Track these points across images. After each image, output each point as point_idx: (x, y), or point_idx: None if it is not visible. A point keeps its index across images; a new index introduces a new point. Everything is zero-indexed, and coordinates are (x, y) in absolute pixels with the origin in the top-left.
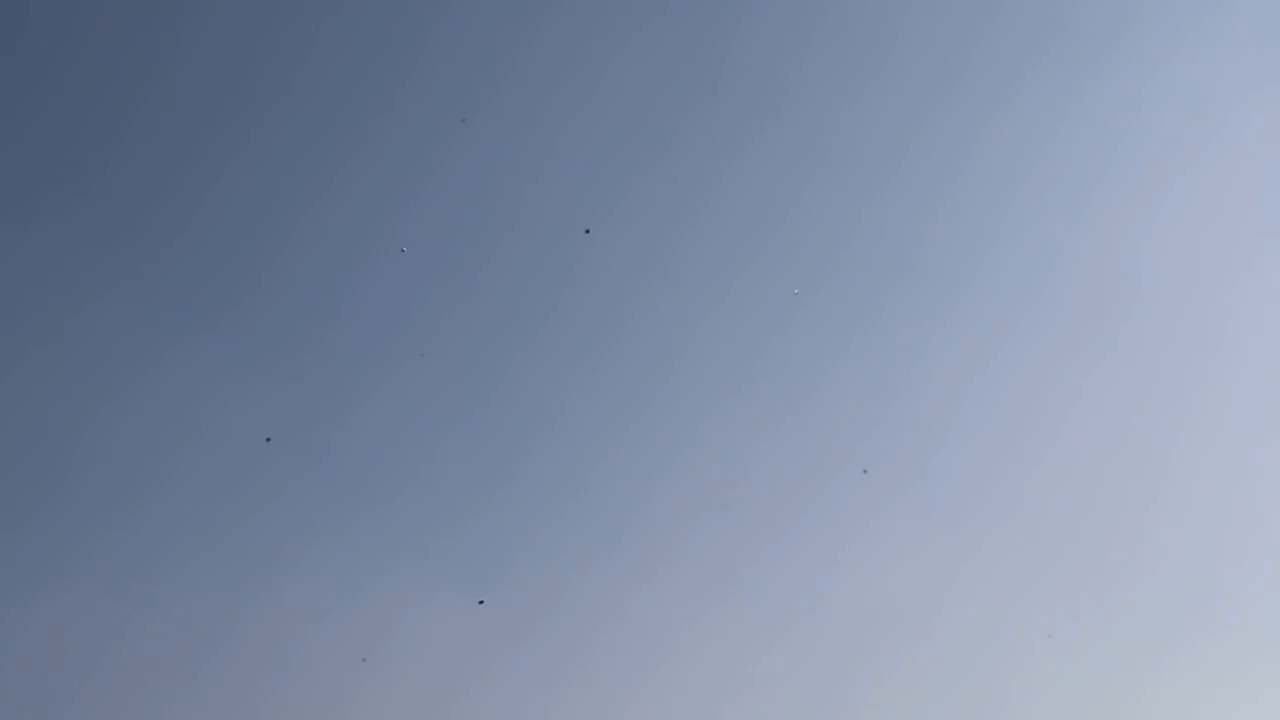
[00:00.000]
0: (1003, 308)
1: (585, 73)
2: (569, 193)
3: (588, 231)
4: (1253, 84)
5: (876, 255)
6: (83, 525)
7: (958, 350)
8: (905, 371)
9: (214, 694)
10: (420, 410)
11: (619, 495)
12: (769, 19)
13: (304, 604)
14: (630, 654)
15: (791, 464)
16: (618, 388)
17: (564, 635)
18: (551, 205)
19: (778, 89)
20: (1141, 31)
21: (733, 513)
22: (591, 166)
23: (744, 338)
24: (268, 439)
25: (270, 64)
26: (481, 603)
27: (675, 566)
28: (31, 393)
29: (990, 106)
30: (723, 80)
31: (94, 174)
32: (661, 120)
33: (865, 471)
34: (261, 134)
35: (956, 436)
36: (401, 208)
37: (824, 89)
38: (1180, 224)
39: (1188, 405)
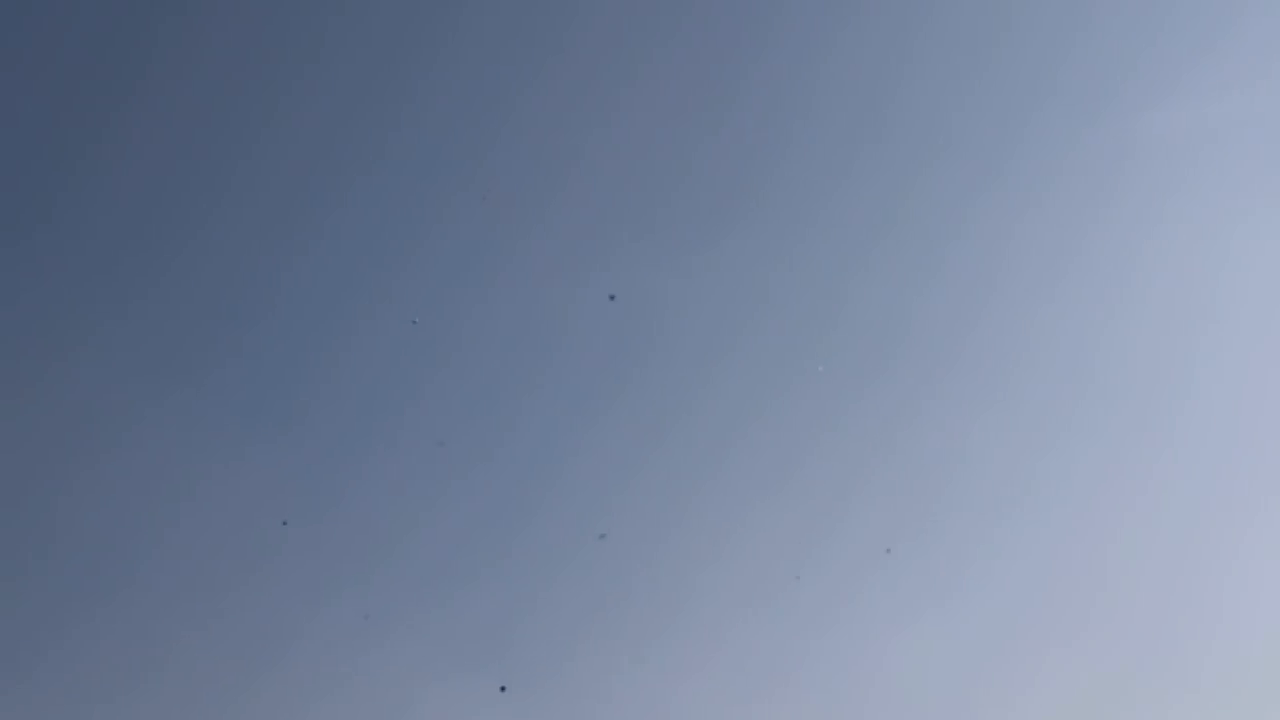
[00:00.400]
0: (1057, 391)
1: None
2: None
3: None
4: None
5: (921, 342)
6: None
7: (1010, 439)
8: (948, 463)
9: None
10: (464, 510)
11: (654, 586)
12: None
13: (312, 681)
14: None
15: (832, 558)
16: (659, 481)
17: None
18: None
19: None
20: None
21: (770, 606)
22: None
23: (786, 430)
24: (284, 522)
25: (276, 81)
26: (504, 689)
27: (707, 662)
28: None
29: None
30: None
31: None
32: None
33: (889, 550)
34: (268, 158)
35: (999, 529)
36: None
37: (824, 143)
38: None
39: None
